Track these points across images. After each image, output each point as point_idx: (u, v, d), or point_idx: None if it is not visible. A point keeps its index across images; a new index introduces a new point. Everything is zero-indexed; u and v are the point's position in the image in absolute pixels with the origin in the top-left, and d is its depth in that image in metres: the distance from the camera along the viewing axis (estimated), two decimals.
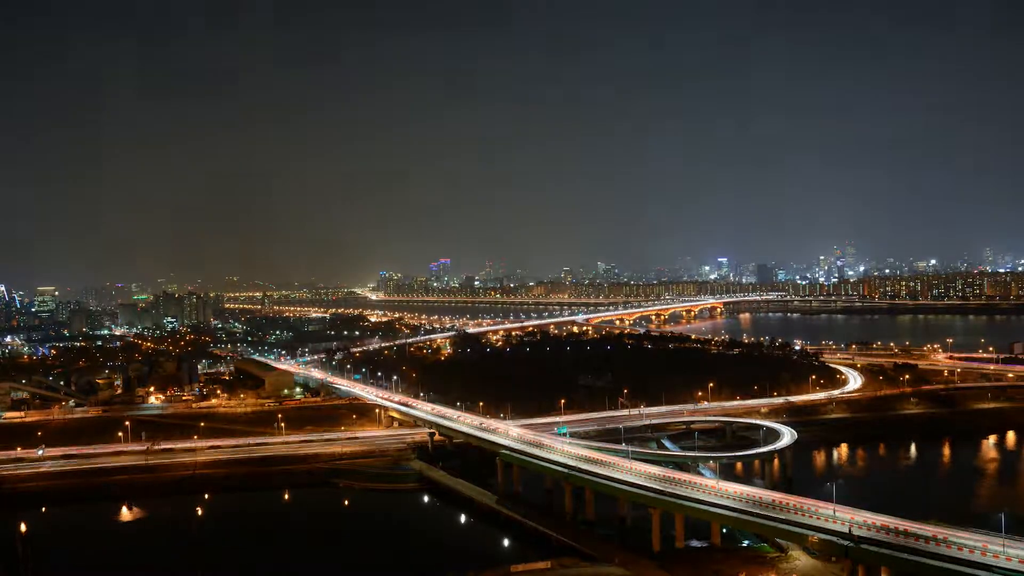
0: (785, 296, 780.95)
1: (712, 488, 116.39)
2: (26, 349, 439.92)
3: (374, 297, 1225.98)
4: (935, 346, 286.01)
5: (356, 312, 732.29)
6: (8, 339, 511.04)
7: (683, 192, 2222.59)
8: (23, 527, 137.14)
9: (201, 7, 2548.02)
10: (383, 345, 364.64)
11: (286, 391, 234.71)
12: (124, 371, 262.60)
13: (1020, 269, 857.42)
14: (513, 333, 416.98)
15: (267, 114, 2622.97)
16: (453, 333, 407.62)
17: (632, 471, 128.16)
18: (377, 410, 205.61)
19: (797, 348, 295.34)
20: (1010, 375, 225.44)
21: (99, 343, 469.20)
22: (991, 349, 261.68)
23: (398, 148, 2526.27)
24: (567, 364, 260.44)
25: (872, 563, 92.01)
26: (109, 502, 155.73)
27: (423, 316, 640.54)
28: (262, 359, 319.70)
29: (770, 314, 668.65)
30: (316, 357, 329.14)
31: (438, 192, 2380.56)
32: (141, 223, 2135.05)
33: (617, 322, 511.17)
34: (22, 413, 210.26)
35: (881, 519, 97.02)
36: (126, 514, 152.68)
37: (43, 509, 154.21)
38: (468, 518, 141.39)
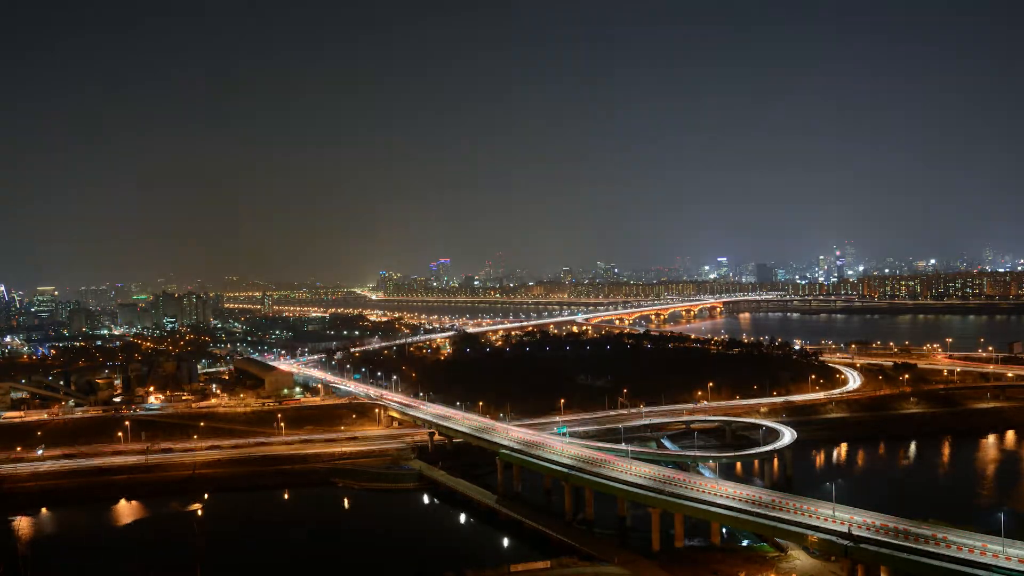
0: (785, 296, 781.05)
1: (711, 488, 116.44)
2: (26, 349, 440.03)
3: (374, 297, 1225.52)
4: (934, 346, 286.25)
5: (356, 312, 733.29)
6: (8, 339, 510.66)
7: (683, 192, 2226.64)
8: (23, 527, 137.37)
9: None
10: (383, 345, 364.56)
11: (286, 391, 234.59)
12: (124, 371, 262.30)
13: (1020, 269, 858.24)
14: (513, 333, 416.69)
15: (267, 115, 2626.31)
16: (453, 333, 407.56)
17: (631, 471, 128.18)
18: (377, 410, 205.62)
19: (797, 348, 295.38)
20: (1009, 375, 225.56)
21: (99, 343, 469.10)
22: (990, 349, 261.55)
23: (398, 148, 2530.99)
24: (567, 364, 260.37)
25: (871, 562, 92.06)
26: (109, 502, 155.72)
27: (423, 316, 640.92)
28: (262, 359, 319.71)
29: (770, 314, 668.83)
30: (316, 357, 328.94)
31: (438, 192, 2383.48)
32: (141, 223, 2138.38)
33: (617, 322, 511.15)
34: (22, 413, 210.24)
35: (880, 519, 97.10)
36: (126, 514, 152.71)
37: (43, 509, 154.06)
38: (468, 518, 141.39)
